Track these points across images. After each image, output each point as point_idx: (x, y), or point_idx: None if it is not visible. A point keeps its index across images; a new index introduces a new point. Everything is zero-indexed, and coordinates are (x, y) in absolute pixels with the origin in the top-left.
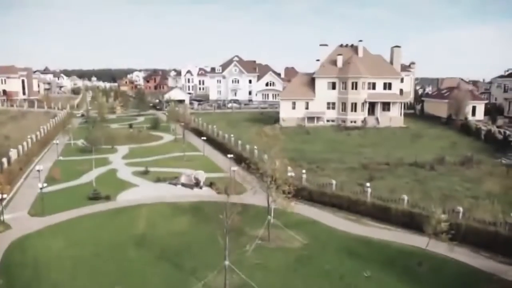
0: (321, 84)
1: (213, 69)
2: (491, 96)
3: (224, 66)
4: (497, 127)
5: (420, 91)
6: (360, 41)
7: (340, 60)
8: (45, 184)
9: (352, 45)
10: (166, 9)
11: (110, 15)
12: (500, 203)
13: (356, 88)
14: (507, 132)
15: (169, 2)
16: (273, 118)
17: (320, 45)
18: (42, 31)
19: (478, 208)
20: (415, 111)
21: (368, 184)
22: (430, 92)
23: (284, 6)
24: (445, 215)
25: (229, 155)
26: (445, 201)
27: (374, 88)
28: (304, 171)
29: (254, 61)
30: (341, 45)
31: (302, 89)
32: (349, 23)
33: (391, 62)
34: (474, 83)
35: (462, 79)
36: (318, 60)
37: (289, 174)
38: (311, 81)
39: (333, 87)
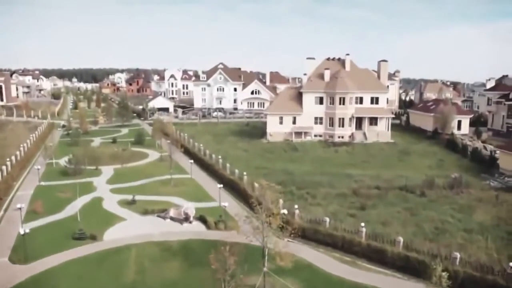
0: (309, 99)
1: (197, 77)
2: (473, 104)
3: (209, 74)
4: (482, 141)
5: (403, 95)
6: (348, 54)
7: (327, 74)
8: (27, 230)
9: (339, 59)
10: (154, 8)
11: (97, 15)
12: (493, 237)
13: (343, 103)
14: (492, 148)
15: (158, 2)
16: (260, 130)
17: (307, 58)
18: (29, 29)
19: (472, 245)
20: (401, 121)
21: (363, 224)
22: (413, 98)
23: (271, 6)
24: (445, 273)
25: (219, 185)
26: (439, 235)
27: (361, 102)
28: (296, 206)
29: (239, 69)
30: (328, 59)
31: (289, 103)
32: (337, 24)
33: (378, 76)
34: (455, 85)
35: (443, 83)
36: (305, 74)
37: (282, 211)
38: (298, 95)
39: (321, 102)
